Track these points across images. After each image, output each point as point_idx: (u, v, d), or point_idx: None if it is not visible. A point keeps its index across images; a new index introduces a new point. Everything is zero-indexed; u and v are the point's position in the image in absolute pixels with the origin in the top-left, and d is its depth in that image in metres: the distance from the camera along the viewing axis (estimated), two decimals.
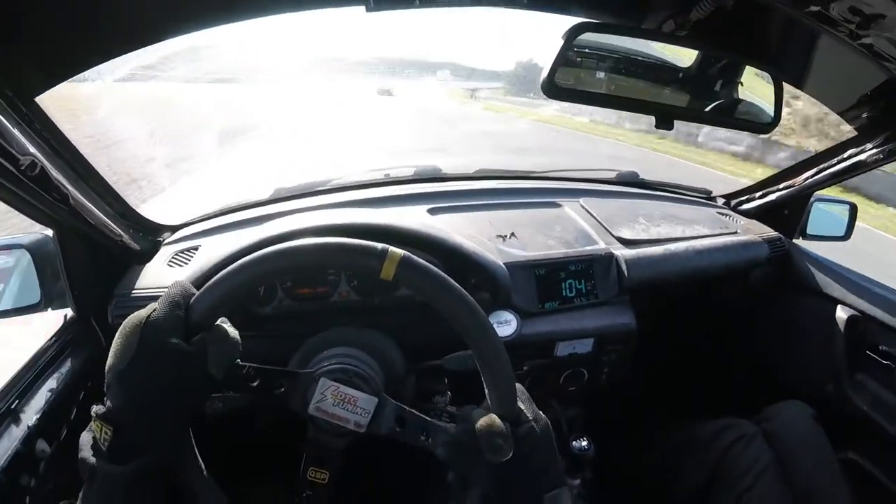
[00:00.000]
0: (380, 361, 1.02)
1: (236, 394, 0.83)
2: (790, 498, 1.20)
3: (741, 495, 1.20)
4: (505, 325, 1.23)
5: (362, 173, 1.74)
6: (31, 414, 0.96)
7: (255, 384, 0.79)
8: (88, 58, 0.87)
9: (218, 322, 0.74)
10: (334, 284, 1.25)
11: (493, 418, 0.78)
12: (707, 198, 1.92)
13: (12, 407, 0.95)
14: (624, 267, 1.36)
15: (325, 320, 1.12)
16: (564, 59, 0.87)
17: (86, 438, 0.66)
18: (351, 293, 1.26)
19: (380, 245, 0.75)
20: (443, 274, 0.78)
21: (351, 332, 1.08)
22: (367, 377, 0.91)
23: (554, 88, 0.88)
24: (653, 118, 0.99)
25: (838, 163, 1.45)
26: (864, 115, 1.29)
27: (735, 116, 1.03)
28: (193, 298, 0.71)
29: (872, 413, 1.40)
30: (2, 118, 0.78)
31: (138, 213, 1.31)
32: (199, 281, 1.09)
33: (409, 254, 0.75)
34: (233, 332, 0.74)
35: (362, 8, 0.83)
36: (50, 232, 1.09)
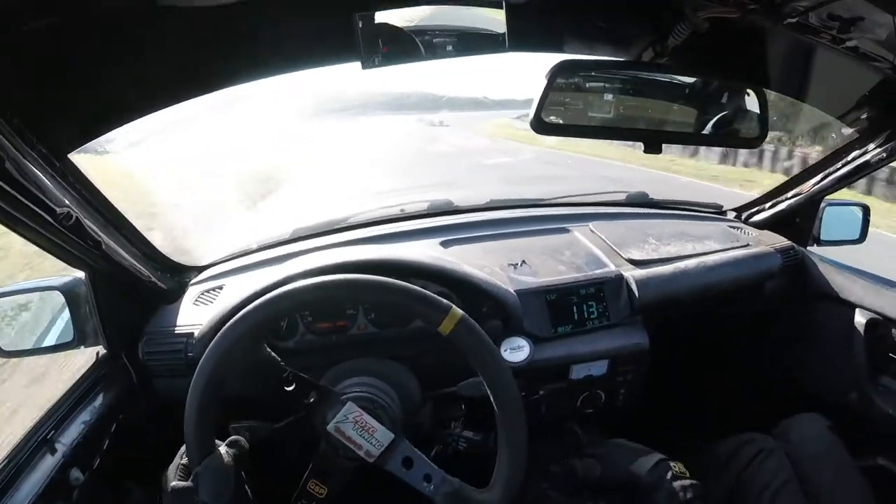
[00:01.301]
0: (398, 391, 1.07)
1: (267, 392, 0.91)
2: None
3: None
4: (517, 350, 1.24)
5: (378, 210, 1.79)
6: (65, 444, 1.01)
7: (290, 389, 0.88)
8: (113, 119, 0.95)
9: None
10: (352, 318, 1.29)
11: None
12: (718, 212, 1.92)
13: (47, 437, 1.00)
14: (634, 288, 1.37)
15: (345, 353, 1.17)
16: (549, 97, 0.91)
17: None
18: (368, 326, 1.29)
19: (445, 301, 0.84)
20: (493, 345, 0.87)
21: (371, 362, 1.13)
22: (389, 411, 0.95)
23: (542, 125, 0.92)
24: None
25: (843, 166, 1.47)
26: (864, 116, 1.31)
27: (722, 135, 1.06)
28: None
29: None
30: (39, 173, 0.85)
31: (165, 256, 1.38)
32: (223, 319, 1.16)
33: (467, 315, 0.84)
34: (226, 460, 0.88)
35: (358, 64, 0.89)
36: (82, 274, 1.16)
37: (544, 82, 0.89)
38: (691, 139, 1.04)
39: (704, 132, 1.03)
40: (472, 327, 0.86)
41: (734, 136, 1.06)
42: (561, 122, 0.95)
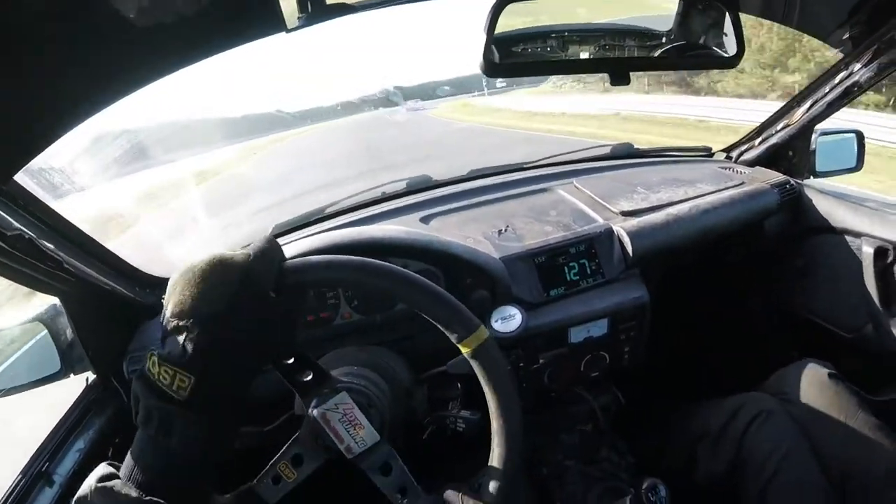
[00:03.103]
0: (389, 382, 1.02)
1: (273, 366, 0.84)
2: (822, 478, 1.07)
3: (766, 484, 1.08)
4: (509, 319, 1.18)
5: (356, 196, 1.74)
6: (62, 475, 1.01)
7: (289, 362, 0.82)
8: (45, 136, 0.89)
9: None
10: (335, 308, 1.24)
11: None
12: (707, 155, 1.85)
13: (43, 469, 1.00)
14: (626, 240, 1.30)
15: (332, 344, 1.12)
16: (496, 36, 0.83)
17: (140, 387, 0.64)
18: (353, 314, 1.24)
19: (476, 319, 0.80)
20: (509, 373, 0.82)
21: (360, 351, 1.08)
22: (382, 411, 0.91)
23: (493, 67, 0.85)
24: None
25: (831, 90, 1.40)
26: (847, 35, 1.25)
27: (697, 57, 0.98)
28: (289, 263, 0.74)
29: None
30: None
31: (140, 271, 1.33)
32: None
33: (493, 339, 0.80)
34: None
35: (282, 34, 0.84)
36: (57, 301, 1.13)
37: (487, 20, 0.82)
38: (663, 64, 0.96)
39: (677, 55, 0.95)
40: (493, 350, 0.81)
41: (710, 57, 0.98)
42: (513, 61, 0.87)
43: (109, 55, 0.83)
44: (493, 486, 0.82)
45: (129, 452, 0.66)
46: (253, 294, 0.67)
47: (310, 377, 0.84)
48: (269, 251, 0.71)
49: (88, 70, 0.83)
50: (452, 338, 0.79)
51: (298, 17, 0.86)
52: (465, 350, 0.79)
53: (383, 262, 0.79)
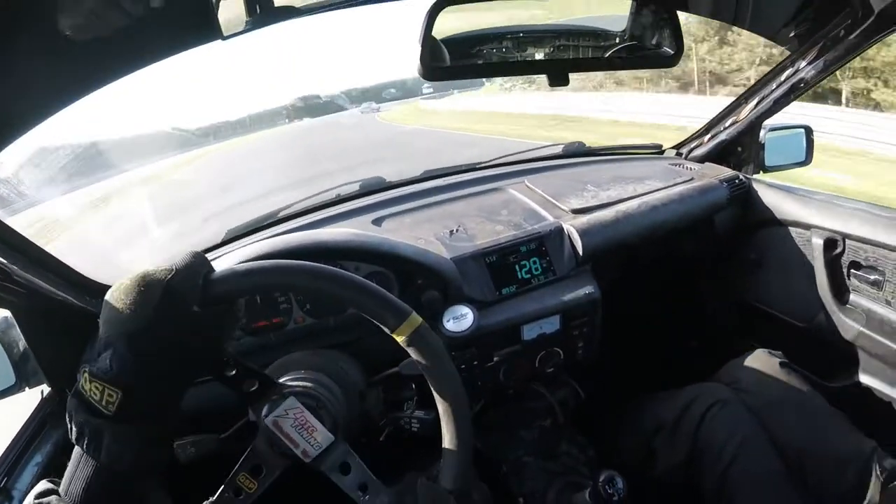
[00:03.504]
0: (341, 384, 1.01)
1: (212, 378, 0.82)
2: (780, 463, 1.10)
3: (724, 472, 1.10)
4: (461, 319, 1.19)
5: (311, 198, 1.72)
6: (21, 490, 1.00)
7: (231, 374, 0.80)
8: None
9: None
10: (287, 312, 1.23)
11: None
12: (657, 152, 1.87)
13: (1, 485, 0.99)
14: (576, 237, 1.32)
15: (286, 349, 1.10)
16: (433, 40, 0.83)
17: (74, 403, 0.65)
18: (306, 318, 1.23)
19: (406, 307, 0.79)
20: (447, 354, 0.81)
21: (312, 354, 1.07)
22: (333, 411, 0.90)
23: (432, 70, 0.85)
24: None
25: (778, 87, 1.43)
26: (793, 33, 1.27)
27: (637, 56, 0.99)
28: (215, 275, 0.73)
29: (869, 331, 1.33)
30: None
31: (89, 279, 1.30)
32: None
33: (426, 324, 0.79)
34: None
35: (218, 41, 0.82)
36: (8, 313, 1.11)
37: (424, 25, 0.82)
38: (602, 65, 0.96)
39: (616, 56, 0.96)
40: (428, 335, 0.80)
41: (649, 57, 0.99)
42: (452, 64, 0.87)
43: (46, 68, 0.81)
44: (449, 468, 0.81)
45: (67, 468, 0.66)
46: (175, 309, 0.67)
47: (256, 386, 0.83)
48: (193, 265, 0.71)
49: (25, 84, 0.81)
50: (385, 328, 0.78)
51: (246, 21, 0.84)
52: (399, 339, 0.78)
53: (307, 263, 0.78)
